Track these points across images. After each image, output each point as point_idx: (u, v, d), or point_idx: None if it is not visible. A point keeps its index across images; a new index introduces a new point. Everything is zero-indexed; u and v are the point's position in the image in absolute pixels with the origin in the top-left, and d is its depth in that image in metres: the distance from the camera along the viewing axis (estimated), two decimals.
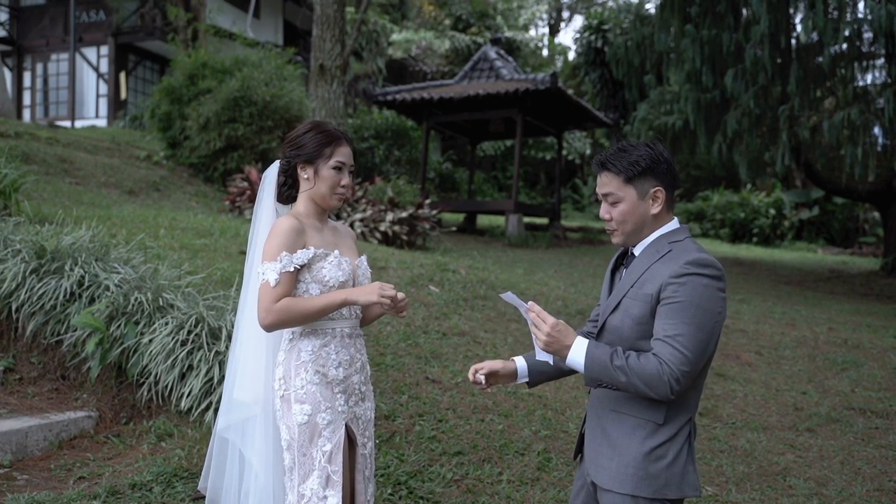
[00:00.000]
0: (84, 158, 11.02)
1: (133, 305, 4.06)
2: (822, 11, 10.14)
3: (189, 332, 3.88)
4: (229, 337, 3.64)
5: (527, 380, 2.21)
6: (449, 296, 6.15)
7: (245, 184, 9.98)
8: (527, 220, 15.50)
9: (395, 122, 16.80)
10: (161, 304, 4.11)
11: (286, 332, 2.31)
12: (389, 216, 9.72)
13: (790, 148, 10.99)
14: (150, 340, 3.89)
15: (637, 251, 2.00)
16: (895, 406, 5.12)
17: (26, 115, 20.08)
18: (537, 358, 2.00)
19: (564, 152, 22.23)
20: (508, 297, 1.93)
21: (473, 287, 6.54)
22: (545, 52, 30.03)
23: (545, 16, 34.06)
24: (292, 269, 2.20)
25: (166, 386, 3.81)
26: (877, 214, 17.12)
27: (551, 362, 2.00)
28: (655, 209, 1.96)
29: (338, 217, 9.52)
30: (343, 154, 2.31)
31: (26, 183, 6.27)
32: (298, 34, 23.91)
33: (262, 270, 2.20)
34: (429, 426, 3.87)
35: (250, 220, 3.29)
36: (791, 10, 11.27)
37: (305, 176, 2.31)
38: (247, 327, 2.38)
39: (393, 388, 4.22)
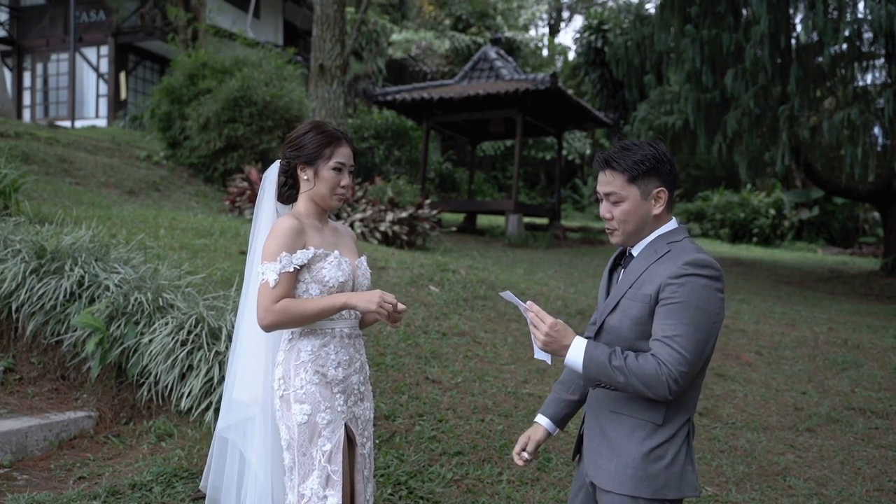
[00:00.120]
0: (84, 158, 11.02)
1: (133, 305, 4.06)
2: (822, 11, 10.14)
3: (189, 333, 3.88)
4: (229, 337, 3.65)
5: (557, 430, 2.23)
6: (449, 296, 6.15)
7: (245, 184, 9.99)
8: (527, 220, 15.51)
9: (395, 122, 16.80)
10: (161, 304, 4.11)
11: (286, 333, 2.31)
12: (389, 216, 9.72)
13: (790, 148, 11.00)
14: (150, 340, 3.90)
15: (635, 251, 1.99)
16: (895, 406, 5.12)
17: (26, 115, 20.08)
18: (535, 357, 2.00)
19: (564, 152, 22.22)
20: (507, 295, 1.93)
21: (473, 287, 6.54)
22: (545, 52, 30.03)
23: (545, 16, 34.06)
24: (292, 270, 2.20)
25: (166, 386, 3.81)
26: (877, 214, 17.12)
27: (549, 361, 1.99)
28: (657, 210, 1.95)
29: (338, 217, 9.52)
30: (343, 155, 2.31)
31: (26, 183, 6.28)
32: (298, 34, 23.92)
33: (261, 270, 2.21)
34: (429, 426, 3.87)
35: (250, 220, 3.30)
36: (791, 10, 11.27)
37: (305, 177, 2.32)
38: (247, 327, 2.38)
39: (393, 388, 4.22)
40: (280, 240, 2.20)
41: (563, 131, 16.87)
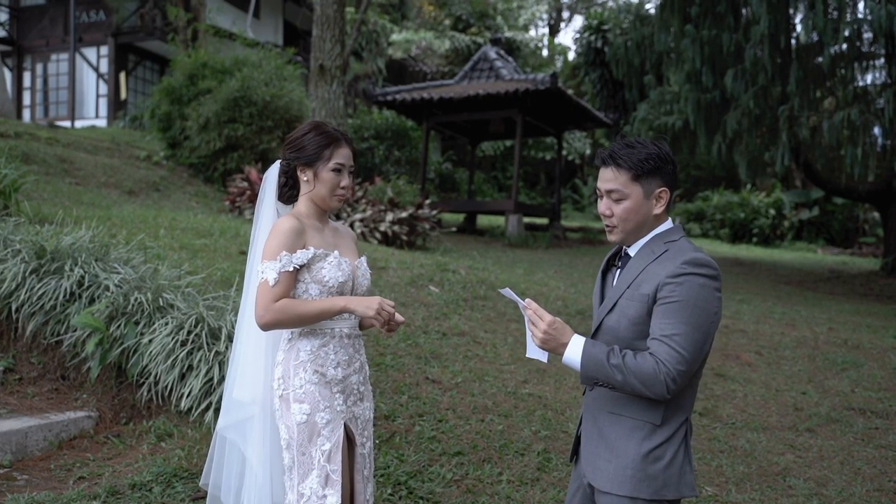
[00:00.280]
0: (84, 158, 11.02)
1: (133, 305, 4.06)
2: (822, 11, 10.15)
3: (189, 333, 3.88)
4: (229, 337, 3.65)
5: None
6: (449, 296, 6.15)
7: (245, 184, 9.99)
8: (527, 220, 15.51)
9: (395, 123, 16.80)
10: (161, 304, 4.11)
11: (286, 333, 2.32)
12: (389, 216, 9.72)
13: (790, 148, 11.00)
14: (150, 340, 3.90)
15: (632, 251, 1.99)
16: (895, 406, 5.12)
17: (26, 115, 20.09)
18: (528, 355, 1.98)
19: (564, 152, 22.23)
20: (507, 292, 1.94)
21: (473, 287, 6.54)
22: (545, 53, 30.04)
23: (545, 16, 34.06)
24: (291, 269, 2.20)
25: (166, 386, 3.81)
26: (877, 214, 17.12)
27: (544, 360, 1.99)
28: (658, 210, 1.94)
29: (338, 217, 9.52)
30: (342, 156, 2.31)
31: (26, 183, 6.28)
32: (298, 34, 23.92)
33: (261, 269, 2.21)
34: (429, 426, 3.87)
35: (250, 220, 3.30)
36: (791, 11, 11.27)
37: (305, 178, 2.32)
38: (247, 327, 2.39)
39: (393, 388, 4.22)
40: (280, 239, 2.21)
41: (563, 131, 16.87)
